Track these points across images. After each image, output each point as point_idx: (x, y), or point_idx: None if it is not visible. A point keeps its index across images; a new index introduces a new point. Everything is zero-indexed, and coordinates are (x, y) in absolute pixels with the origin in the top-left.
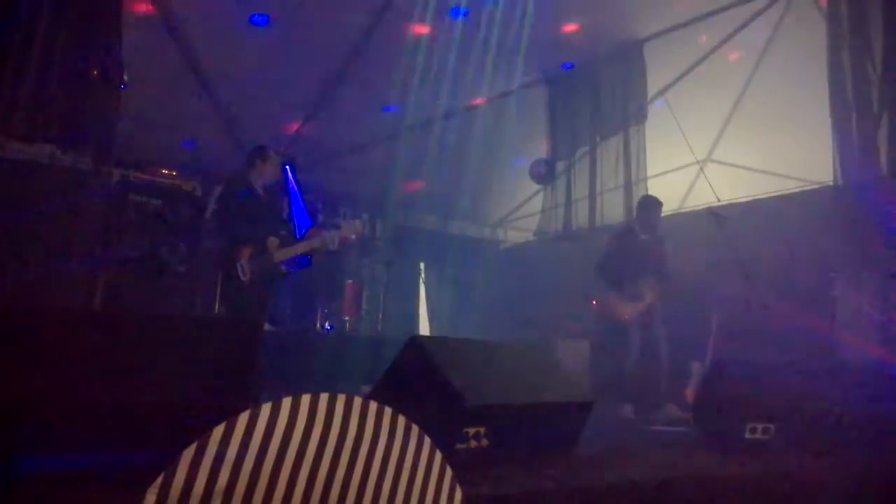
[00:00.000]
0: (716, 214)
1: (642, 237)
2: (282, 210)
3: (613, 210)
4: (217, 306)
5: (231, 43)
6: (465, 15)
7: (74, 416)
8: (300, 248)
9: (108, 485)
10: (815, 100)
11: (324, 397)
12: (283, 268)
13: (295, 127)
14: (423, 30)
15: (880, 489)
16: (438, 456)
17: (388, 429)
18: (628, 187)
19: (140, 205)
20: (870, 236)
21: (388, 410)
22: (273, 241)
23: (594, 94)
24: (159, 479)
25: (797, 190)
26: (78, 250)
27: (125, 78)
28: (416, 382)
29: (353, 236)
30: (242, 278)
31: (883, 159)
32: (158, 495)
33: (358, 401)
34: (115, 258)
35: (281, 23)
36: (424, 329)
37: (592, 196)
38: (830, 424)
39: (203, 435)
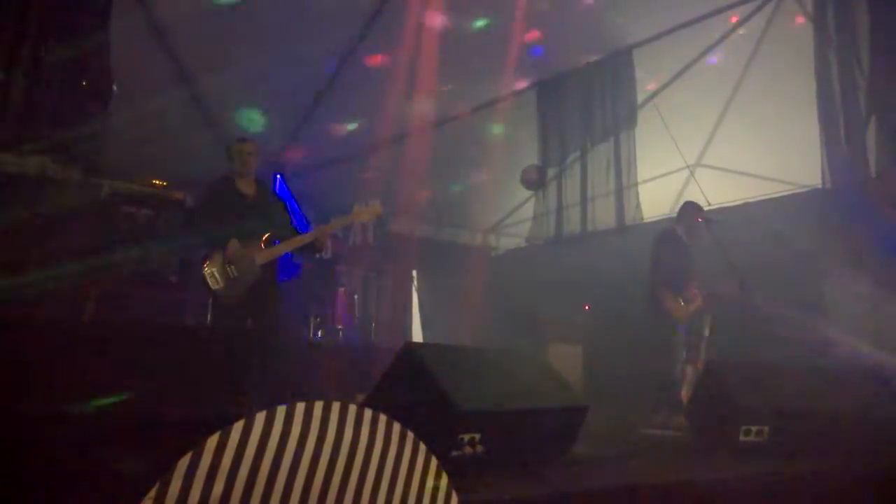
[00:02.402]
0: (706, 219)
1: (685, 241)
2: (277, 210)
3: (605, 216)
4: (209, 317)
5: (221, 52)
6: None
7: (67, 426)
8: (290, 244)
9: (104, 495)
10: (803, 103)
11: (318, 405)
12: (273, 271)
13: (284, 137)
14: (413, 36)
15: (874, 490)
16: (434, 463)
17: (383, 436)
18: (619, 193)
19: (130, 215)
20: (859, 238)
21: (382, 418)
22: (233, 243)
23: (584, 100)
24: (154, 490)
25: (787, 193)
26: (68, 262)
27: (114, 88)
28: (411, 390)
29: (372, 219)
30: (214, 287)
31: (871, 161)
32: None
33: (353, 408)
34: (105, 269)
35: (271, 32)
36: (418, 337)
37: (584, 202)
38: (824, 426)
39: (198, 444)
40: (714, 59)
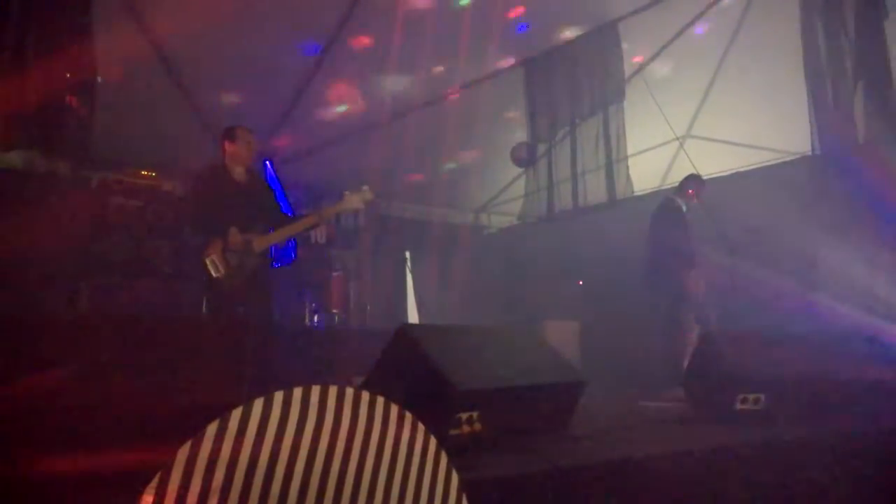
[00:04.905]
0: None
1: (685, 211)
2: (269, 196)
3: (596, 191)
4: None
5: (204, 38)
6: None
7: (65, 419)
8: (286, 231)
9: (104, 486)
10: (791, 70)
11: (315, 389)
12: (268, 258)
13: (273, 121)
14: (399, 15)
15: (870, 456)
16: (433, 442)
17: (381, 418)
18: (609, 167)
19: (120, 207)
20: (849, 204)
21: (380, 400)
22: (233, 232)
23: (571, 74)
24: (155, 480)
25: (777, 161)
26: (61, 255)
27: (98, 80)
28: (407, 371)
29: (362, 206)
30: (215, 275)
31: (860, 126)
32: (155, 495)
33: (350, 391)
34: (98, 261)
35: (255, 17)
36: (413, 318)
37: (574, 177)
38: (819, 392)
39: (197, 433)
40: (700, 29)
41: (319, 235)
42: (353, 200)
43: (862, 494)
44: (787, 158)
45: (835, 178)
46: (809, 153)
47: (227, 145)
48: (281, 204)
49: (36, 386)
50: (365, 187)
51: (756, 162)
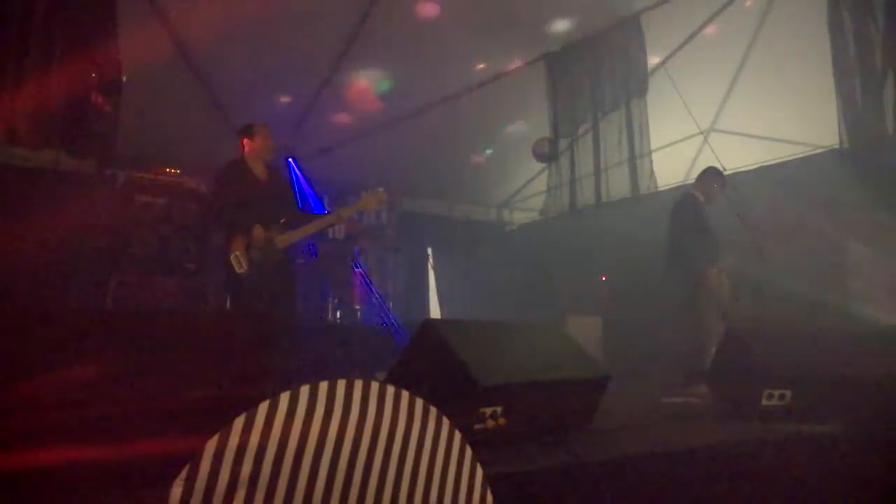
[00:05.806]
0: (723, 185)
1: (704, 205)
2: (288, 193)
3: (619, 185)
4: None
5: (227, 36)
6: None
7: (95, 413)
8: (308, 229)
9: (133, 478)
10: (817, 62)
11: (341, 383)
12: (290, 255)
13: (295, 119)
14: (420, 11)
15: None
16: (458, 436)
17: (406, 412)
18: (632, 162)
19: (146, 204)
20: (879, 197)
21: (405, 394)
22: (258, 228)
23: (593, 69)
24: (184, 472)
25: (804, 155)
26: (88, 253)
27: (123, 78)
28: (431, 365)
29: (378, 207)
30: (239, 271)
31: (889, 118)
32: (184, 487)
33: (375, 385)
34: (124, 259)
35: (277, 13)
36: (435, 313)
37: (597, 172)
38: (847, 388)
39: (224, 426)
40: (725, 21)
41: (338, 231)
42: (370, 201)
43: (890, 493)
44: (815, 152)
45: (863, 172)
46: (837, 146)
47: (245, 142)
48: (299, 202)
49: (65, 380)
50: (380, 189)
51: (782, 156)
